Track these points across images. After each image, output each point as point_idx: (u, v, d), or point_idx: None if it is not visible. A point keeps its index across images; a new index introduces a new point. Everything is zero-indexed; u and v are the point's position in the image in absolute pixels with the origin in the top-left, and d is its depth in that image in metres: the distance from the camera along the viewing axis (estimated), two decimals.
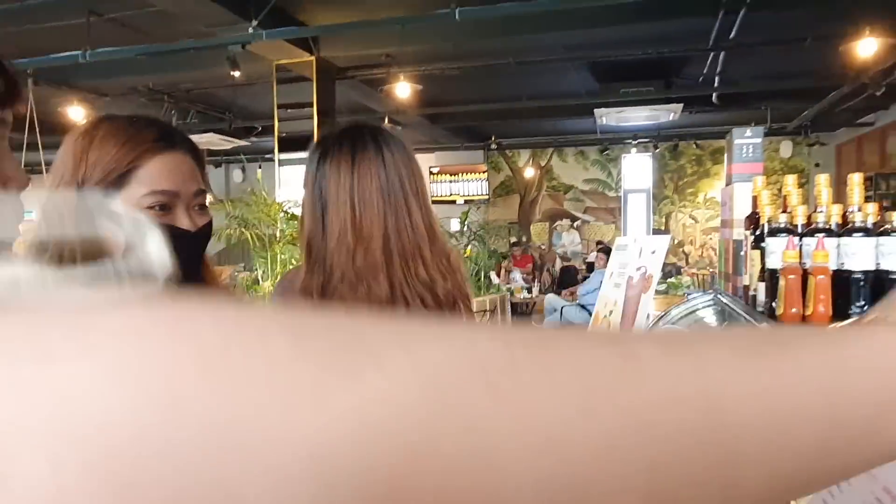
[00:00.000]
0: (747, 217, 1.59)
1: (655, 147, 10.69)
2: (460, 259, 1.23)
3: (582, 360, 0.21)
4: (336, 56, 6.36)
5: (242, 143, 8.84)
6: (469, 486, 0.18)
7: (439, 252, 1.13)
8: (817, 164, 10.00)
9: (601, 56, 6.67)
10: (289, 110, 6.58)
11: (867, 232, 1.26)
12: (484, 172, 11.54)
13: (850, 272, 1.25)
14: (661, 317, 1.91)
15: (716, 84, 7.07)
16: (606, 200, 11.40)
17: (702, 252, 10.87)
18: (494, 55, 6.45)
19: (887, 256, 1.24)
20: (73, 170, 0.90)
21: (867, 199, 1.32)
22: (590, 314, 3.62)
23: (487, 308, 4.88)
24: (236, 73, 5.82)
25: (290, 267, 3.62)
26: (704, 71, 6.76)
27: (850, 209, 1.31)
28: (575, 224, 11.55)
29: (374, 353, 0.19)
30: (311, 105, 6.31)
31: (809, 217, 1.37)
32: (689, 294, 2.49)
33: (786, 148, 10.14)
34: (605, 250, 6.69)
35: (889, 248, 1.24)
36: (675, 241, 10.83)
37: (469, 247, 6.98)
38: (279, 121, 6.60)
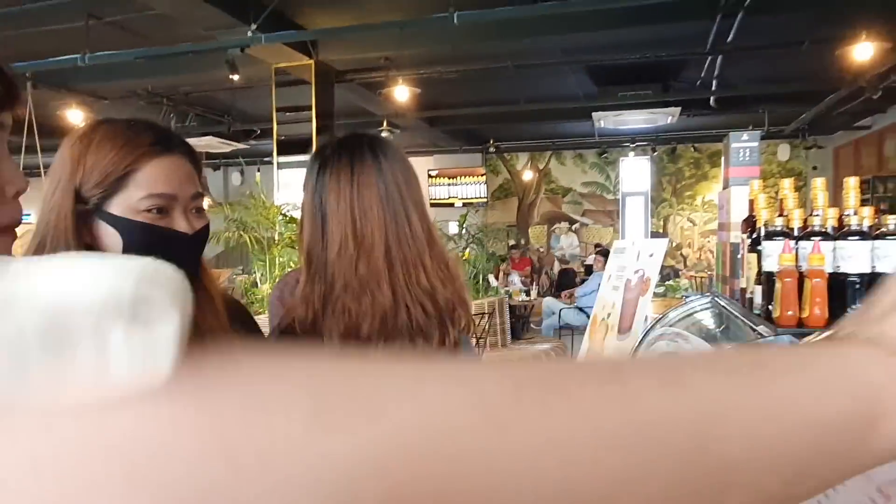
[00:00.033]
0: (744, 220, 1.60)
1: (653, 150, 10.71)
2: (458, 265, 1.24)
3: (583, 403, 0.24)
4: (335, 59, 6.37)
5: (241, 146, 8.84)
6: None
7: (438, 259, 1.14)
8: (815, 168, 10.02)
9: (599, 59, 6.69)
10: (287, 113, 6.57)
11: (863, 235, 1.26)
12: (482, 175, 11.54)
13: (847, 275, 1.25)
14: (659, 319, 1.91)
15: (713, 87, 7.08)
16: (605, 203, 11.41)
17: (699, 255, 10.88)
18: (492, 58, 6.46)
19: (883, 259, 1.24)
20: (71, 173, 0.90)
21: (864, 203, 1.32)
22: (588, 316, 3.62)
23: (486, 311, 4.87)
24: (235, 77, 5.81)
25: (289, 270, 3.62)
26: (702, 74, 6.77)
27: (846, 212, 1.32)
28: (573, 227, 11.56)
29: (380, 405, 0.22)
30: (309, 108, 6.31)
31: (806, 220, 1.37)
32: (686, 297, 2.50)
33: (783, 151, 10.16)
34: (604, 253, 6.69)
35: (885, 251, 1.24)
36: (673, 244, 10.83)
37: (467, 249, 6.97)
38: (278, 124, 6.59)
